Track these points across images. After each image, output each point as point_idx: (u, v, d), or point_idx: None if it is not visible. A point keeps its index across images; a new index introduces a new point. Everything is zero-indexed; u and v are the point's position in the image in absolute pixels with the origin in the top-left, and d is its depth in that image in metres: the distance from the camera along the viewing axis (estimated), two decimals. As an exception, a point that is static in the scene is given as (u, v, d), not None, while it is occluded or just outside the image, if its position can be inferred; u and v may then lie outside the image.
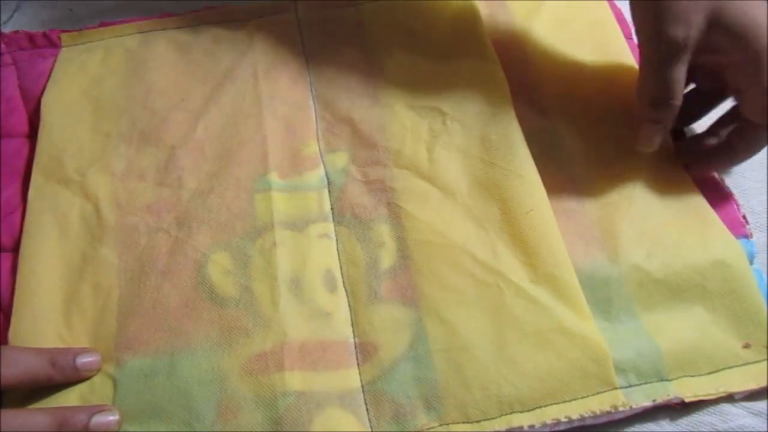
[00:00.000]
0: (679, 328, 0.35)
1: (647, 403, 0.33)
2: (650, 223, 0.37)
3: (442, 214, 0.37)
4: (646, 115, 0.37)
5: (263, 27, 0.46)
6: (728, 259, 0.36)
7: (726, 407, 0.34)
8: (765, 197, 0.40)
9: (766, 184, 0.41)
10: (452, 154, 0.39)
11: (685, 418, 0.34)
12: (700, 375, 0.34)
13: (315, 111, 0.42)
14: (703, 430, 0.33)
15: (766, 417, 0.33)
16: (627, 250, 0.36)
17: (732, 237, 0.37)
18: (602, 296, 0.35)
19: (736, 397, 0.34)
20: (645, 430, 0.33)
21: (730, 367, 0.34)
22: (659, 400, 0.33)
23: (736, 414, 0.33)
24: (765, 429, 0.33)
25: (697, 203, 0.38)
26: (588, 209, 0.38)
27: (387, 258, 0.36)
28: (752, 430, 0.33)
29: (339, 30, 0.46)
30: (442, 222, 0.37)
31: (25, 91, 0.43)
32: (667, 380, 0.33)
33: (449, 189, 0.38)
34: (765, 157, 0.41)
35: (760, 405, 0.34)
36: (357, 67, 0.44)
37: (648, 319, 0.35)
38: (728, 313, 0.35)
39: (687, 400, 0.33)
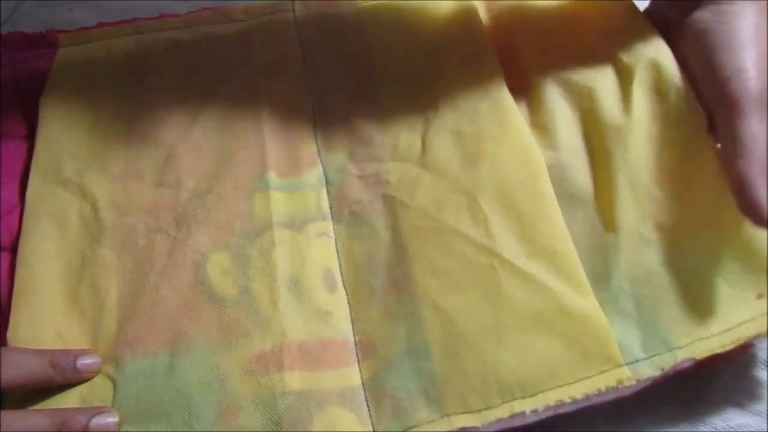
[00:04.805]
0: (684, 290, 0.34)
1: (656, 374, 0.32)
2: (648, 186, 0.36)
3: (434, 196, 0.37)
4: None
5: (261, 27, 0.46)
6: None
7: (726, 407, 0.34)
8: (764, 198, 0.40)
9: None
10: (444, 136, 0.39)
11: (685, 418, 0.34)
12: (712, 336, 0.32)
13: (313, 110, 0.42)
14: (703, 429, 0.33)
15: (766, 417, 0.33)
16: (624, 214, 0.35)
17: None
18: (601, 266, 0.35)
19: (755, 343, 0.32)
20: (646, 430, 0.33)
21: (745, 321, 0.32)
22: (667, 369, 0.32)
23: (736, 414, 0.34)
24: (765, 429, 0.33)
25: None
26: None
27: (383, 252, 0.36)
28: (752, 429, 0.33)
29: (337, 29, 0.45)
30: (433, 204, 0.37)
31: (23, 91, 0.43)
32: (677, 348, 0.32)
33: (440, 169, 0.38)
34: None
35: (760, 405, 0.34)
36: (355, 66, 0.43)
37: (649, 285, 0.34)
38: (737, 264, 0.34)
39: (699, 357, 0.32)
